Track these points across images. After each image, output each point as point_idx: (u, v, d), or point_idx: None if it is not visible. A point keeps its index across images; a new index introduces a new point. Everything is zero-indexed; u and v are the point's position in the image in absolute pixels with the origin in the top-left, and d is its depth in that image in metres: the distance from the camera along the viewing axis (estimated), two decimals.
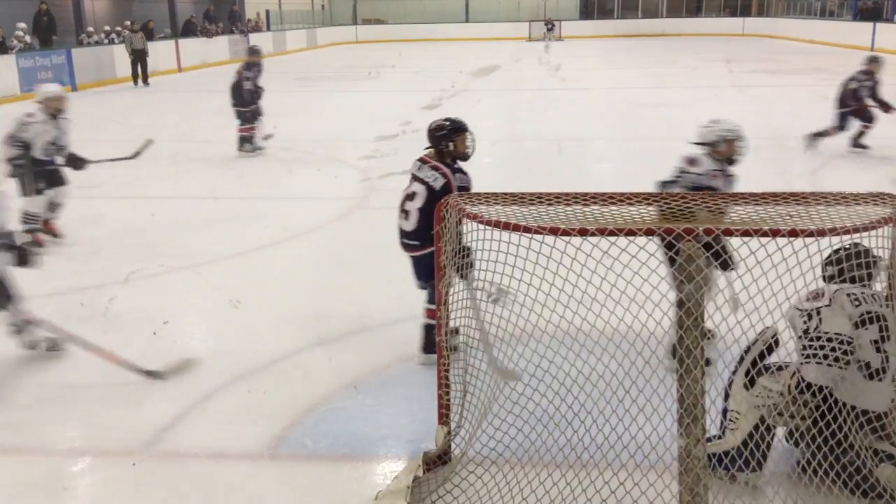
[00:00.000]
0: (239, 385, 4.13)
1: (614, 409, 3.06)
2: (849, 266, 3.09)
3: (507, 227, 2.87)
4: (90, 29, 21.59)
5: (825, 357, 2.90)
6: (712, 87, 16.68)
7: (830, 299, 3.00)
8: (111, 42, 21.18)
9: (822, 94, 14.99)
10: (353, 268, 5.97)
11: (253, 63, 10.25)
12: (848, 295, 3.02)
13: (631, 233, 2.66)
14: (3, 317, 4.26)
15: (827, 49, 26.82)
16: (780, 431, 3.20)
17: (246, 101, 10.08)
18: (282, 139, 11.42)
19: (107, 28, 22.20)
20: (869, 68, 9.30)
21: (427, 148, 4.30)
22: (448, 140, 4.20)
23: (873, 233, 2.81)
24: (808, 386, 2.93)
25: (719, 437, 3.17)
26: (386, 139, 11.05)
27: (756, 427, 3.03)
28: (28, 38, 18.45)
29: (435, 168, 4.17)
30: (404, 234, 4.22)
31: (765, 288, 2.83)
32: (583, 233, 2.70)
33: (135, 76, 19.52)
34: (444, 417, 3.31)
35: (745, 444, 3.05)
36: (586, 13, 39.91)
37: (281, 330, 4.80)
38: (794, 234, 2.58)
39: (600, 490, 3.00)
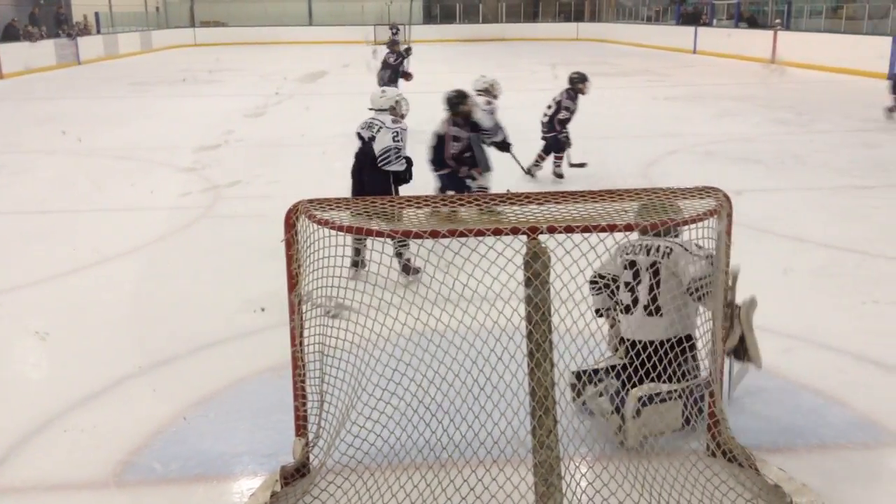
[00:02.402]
0: (73, 414, 3.85)
1: (470, 406, 3.11)
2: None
3: (359, 231, 2.86)
4: None
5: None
6: (550, 90, 17.28)
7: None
8: None
9: (650, 95, 15.98)
10: (189, 283, 5.69)
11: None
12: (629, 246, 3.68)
13: (480, 233, 2.71)
14: None
15: (654, 52, 28.54)
16: None
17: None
18: (116, 149, 10.89)
19: None
20: None
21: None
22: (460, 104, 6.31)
23: (700, 224, 3.02)
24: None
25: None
26: (209, 149, 10.71)
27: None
28: None
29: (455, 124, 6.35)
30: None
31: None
32: (434, 235, 2.72)
33: None
34: (301, 429, 3.25)
35: None
36: (429, 17, 40.45)
37: (111, 356, 4.48)
38: (629, 228, 2.72)
39: (459, 488, 3.04)
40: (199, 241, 6.78)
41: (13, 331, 4.98)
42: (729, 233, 3.19)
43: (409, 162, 5.50)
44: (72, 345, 4.68)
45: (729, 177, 6.79)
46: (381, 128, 5.42)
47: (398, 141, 5.40)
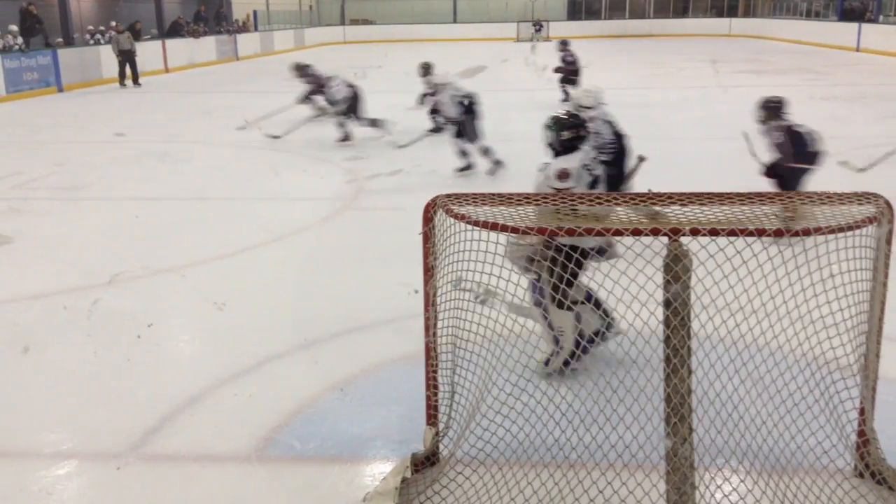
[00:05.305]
0: (225, 388, 4.11)
1: (602, 408, 3.07)
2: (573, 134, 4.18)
3: (494, 227, 2.87)
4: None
5: None
6: (699, 88, 16.74)
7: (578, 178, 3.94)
8: (97, 43, 21.06)
9: (808, 94, 15.12)
10: (340, 269, 5.95)
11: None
12: (585, 166, 4.01)
13: (618, 233, 2.66)
14: None
15: (812, 49, 26.99)
16: None
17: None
18: (269, 140, 11.41)
19: (91, 28, 22.07)
20: None
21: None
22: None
23: (858, 232, 2.84)
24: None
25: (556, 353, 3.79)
26: (372, 140, 11.04)
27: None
28: (20, 41, 18.37)
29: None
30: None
31: (750, 287, 2.85)
32: (570, 233, 2.70)
33: (121, 77, 19.42)
34: (432, 418, 3.30)
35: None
36: (574, 13, 40.00)
37: (267, 332, 4.78)
38: (779, 233, 2.59)
39: (588, 490, 3.00)
40: (356, 228, 7.09)
41: (196, 300, 5.38)
42: (890, 242, 2.98)
43: None
44: (231, 323, 4.98)
45: (893, 182, 6.33)
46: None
47: None
